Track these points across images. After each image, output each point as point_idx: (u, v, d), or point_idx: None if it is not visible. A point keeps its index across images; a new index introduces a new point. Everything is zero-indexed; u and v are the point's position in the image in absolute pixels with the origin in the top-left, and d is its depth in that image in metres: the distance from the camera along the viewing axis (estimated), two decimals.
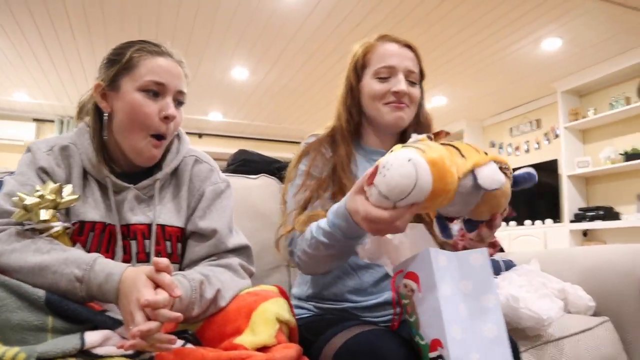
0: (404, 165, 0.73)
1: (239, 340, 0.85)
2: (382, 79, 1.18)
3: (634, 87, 4.74)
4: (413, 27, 3.97)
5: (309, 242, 1.01)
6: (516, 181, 0.88)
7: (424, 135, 0.81)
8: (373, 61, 1.20)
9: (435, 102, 5.80)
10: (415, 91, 1.20)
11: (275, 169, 1.66)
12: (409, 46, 1.22)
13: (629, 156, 4.68)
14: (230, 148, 2.34)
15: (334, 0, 3.62)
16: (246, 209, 1.50)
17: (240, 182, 1.57)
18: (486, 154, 0.84)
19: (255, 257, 1.13)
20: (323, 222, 0.98)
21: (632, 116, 4.81)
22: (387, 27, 3.96)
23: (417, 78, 1.22)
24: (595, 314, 1.45)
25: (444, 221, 0.91)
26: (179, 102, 1.05)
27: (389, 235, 0.89)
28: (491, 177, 0.79)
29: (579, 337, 1.30)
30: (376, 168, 0.78)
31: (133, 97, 0.99)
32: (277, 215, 1.48)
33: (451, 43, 4.28)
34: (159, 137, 1.02)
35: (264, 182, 1.63)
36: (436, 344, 0.78)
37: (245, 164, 1.81)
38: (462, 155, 0.81)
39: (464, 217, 0.90)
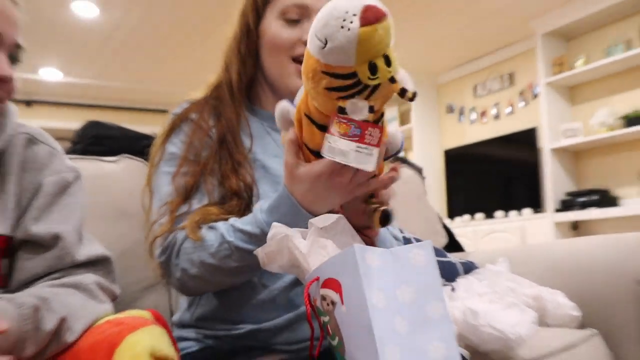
0: None
1: None
2: (291, 22, 1.24)
3: (635, 27, 5.04)
4: None
5: (214, 251, 1.06)
6: None
7: None
8: None
9: None
10: None
11: (144, 147, 1.66)
12: None
13: (630, 120, 4.96)
14: (74, 121, 2.28)
15: None
16: (104, 205, 1.50)
17: (94, 168, 1.56)
18: None
19: (121, 271, 1.14)
20: (241, 223, 1.05)
21: (635, 66, 5.11)
22: None
23: None
24: (580, 327, 1.57)
25: None
26: (12, 59, 1.03)
27: (296, 230, 0.93)
28: None
29: (560, 357, 1.41)
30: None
31: None
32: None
33: None
34: None
35: (127, 166, 1.62)
36: None
37: (99, 141, 1.79)
38: None
39: None
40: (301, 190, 0.99)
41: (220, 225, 1.08)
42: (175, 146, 1.22)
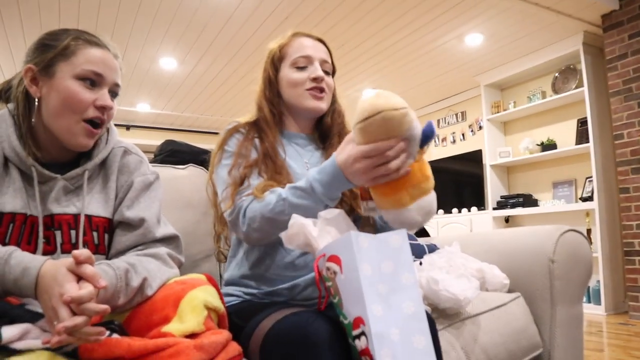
0: None
1: (166, 328, 0.86)
2: (300, 68, 1.26)
3: (549, 82, 5.04)
4: (340, 20, 4.03)
5: (271, 207, 1.05)
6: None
7: None
8: (290, 53, 1.27)
9: (366, 94, 5.91)
10: (330, 80, 1.30)
11: (204, 159, 1.66)
12: (321, 40, 1.32)
13: (545, 147, 4.98)
14: (159, 140, 2.30)
15: None
16: (174, 199, 1.49)
17: (168, 173, 1.55)
18: None
19: (184, 247, 1.13)
20: (296, 184, 1.04)
21: (547, 109, 5.12)
22: (315, 20, 3.99)
23: (330, 68, 1.31)
24: (509, 291, 1.55)
25: None
26: (113, 94, 1.04)
27: (309, 220, 0.92)
28: None
29: (494, 312, 1.39)
30: None
31: (69, 84, 0.97)
32: (206, 205, 1.49)
33: (379, 37, 4.39)
34: (95, 124, 1.01)
35: (192, 172, 1.62)
36: (359, 321, 0.82)
37: (173, 154, 1.79)
38: None
39: None
40: (342, 159, 0.97)
41: (279, 188, 1.08)
42: (230, 147, 1.22)
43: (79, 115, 0.98)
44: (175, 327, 0.85)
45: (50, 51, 0.98)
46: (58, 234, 0.98)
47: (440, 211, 6.01)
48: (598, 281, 4.26)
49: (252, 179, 1.16)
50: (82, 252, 0.80)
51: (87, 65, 0.98)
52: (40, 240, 0.96)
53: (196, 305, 0.89)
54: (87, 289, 0.77)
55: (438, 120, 6.62)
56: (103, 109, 1.00)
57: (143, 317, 0.91)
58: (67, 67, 0.97)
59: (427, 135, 0.95)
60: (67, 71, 0.97)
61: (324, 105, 1.27)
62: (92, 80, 0.99)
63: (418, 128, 0.93)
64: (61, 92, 0.97)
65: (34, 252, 0.94)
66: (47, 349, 0.77)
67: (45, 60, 0.98)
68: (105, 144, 1.08)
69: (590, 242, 4.40)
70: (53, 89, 0.97)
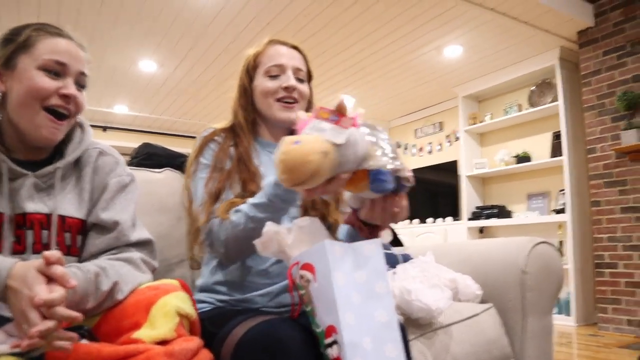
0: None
1: (137, 334, 0.84)
2: (273, 77, 1.27)
3: (525, 95, 5.15)
4: (322, 29, 4.05)
5: (242, 227, 1.06)
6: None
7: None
8: (263, 62, 1.29)
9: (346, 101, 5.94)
10: (304, 87, 1.30)
11: (180, 163, 1.65)
12: (296, 48, 1.33)
13: (520, 159, 5.07)
14: (136, 143, 2.26)
15: None
16: (150, 203, 1.48)
17: (144, 176, 1.54)
18: None
19: (158, 251, 1.12)
20: (255, 200, 1.06)
21: (523, 122, 5.22)
22: (296, 28, 4.01)
23: (305, 76, 1.32)
24: (482, 301, 1.57)
25: None
26: (80, 85, 1.03)
27: (283, 227, 0.92)
28: None
29: (466, 322, 1.41)
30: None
31: (31, 75, 0.95)
32: (181, 209, 1.48)
33: (359, 46, 4.42)
34: (59, 115, 0.99)
35: (168, 176, 1.60)
36: (331, 330, 0.82)
37: (149, 157, 1.77)
38: None
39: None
40: None
41: (243, 206, 1.09)
42: (206, 159, 1.22)
43: (40, 104, 0.96)
44: (147, 333, 0.84)
45: (11, 45, 0.98)
46: (29, 233, 0.96)
47: (416, 220, 6.06)
48: (569, 293, 4.34)
49: (226, 194, 1.17)
50: (54, 253, 0.79)
51: (48, 55, 0.97)
52: (9, 239, 0.94)
53: (168, 311, 0.88)
54: (58, 292, 0.76)
55: (416, 130, 6.68)
56: (67, 98, 0.99)
57: (114, 322, 0.89)
58: (28, 58, 0.97)
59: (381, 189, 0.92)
60: (29, 63, 0.96)
61: (294, 115, 1.27)
62: (56, 71, 0.98)
63: (351, 151, 0.88)
64: (24, 82, 0.96)
65: (1, 251, 0.92)
66: (13, 354, 0.75)
67: (7, 54, 0.97)
68: (78, 143, 1.07)
69: (562, 254, 4.48)
70: (16, 81, 0.96)
